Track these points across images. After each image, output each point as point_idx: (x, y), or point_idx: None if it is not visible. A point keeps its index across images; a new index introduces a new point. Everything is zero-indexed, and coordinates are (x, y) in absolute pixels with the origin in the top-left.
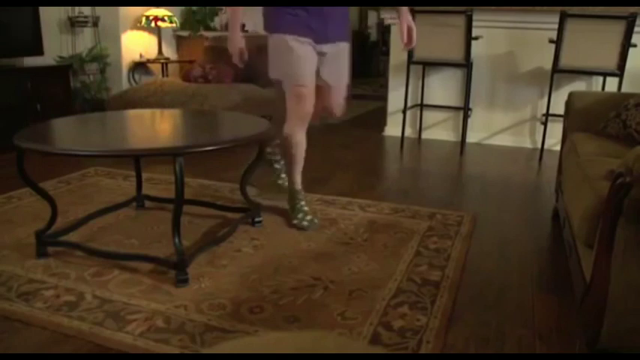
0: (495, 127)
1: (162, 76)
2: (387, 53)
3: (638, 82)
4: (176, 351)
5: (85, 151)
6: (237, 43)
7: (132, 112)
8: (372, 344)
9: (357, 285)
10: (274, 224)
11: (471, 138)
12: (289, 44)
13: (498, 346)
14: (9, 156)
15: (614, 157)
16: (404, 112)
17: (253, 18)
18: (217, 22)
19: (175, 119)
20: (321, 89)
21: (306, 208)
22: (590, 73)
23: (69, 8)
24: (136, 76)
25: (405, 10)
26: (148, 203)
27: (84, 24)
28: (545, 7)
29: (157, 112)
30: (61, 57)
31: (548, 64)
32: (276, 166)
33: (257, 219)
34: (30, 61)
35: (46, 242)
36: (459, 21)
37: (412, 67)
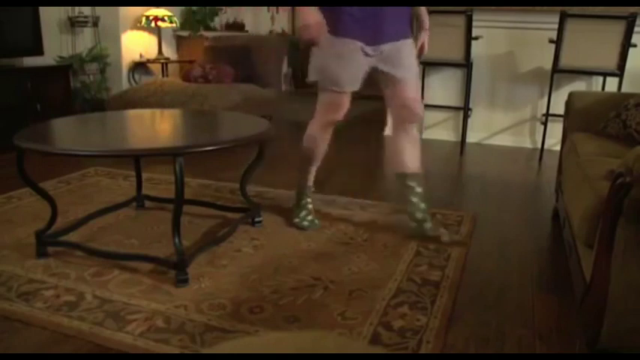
0: (495, 127)
1: (163, 76)
2: None
3: (638, 82)
4: (176, 351)
5: (85, 151)
6: (315, 15)
7: (132, 112)
8: (372, 344)
9: (357, 285)
10: (274, 224)
11: (471, 138)
12: (337, 46)
13: (498, 346)
14: (9, 156)
15: (614, 157)
16: None
17: (253, 18)
18: (217, 22)
19: (175, 119)
20: (393, 87)
21: (310, 207)
22: (590, 73)
23: (69, 8)
24: (136, 76)
25: (427, 28)
26: (148, 203)
27: (84, 24)
28: (545, 7)
29: (157, 112)
30: (61, 57)
31: (548, 64)
32: (413, 199)
33: (257, 219)
34: (30, 61)
35: (46, 242)
36: (459, 21)
37: None
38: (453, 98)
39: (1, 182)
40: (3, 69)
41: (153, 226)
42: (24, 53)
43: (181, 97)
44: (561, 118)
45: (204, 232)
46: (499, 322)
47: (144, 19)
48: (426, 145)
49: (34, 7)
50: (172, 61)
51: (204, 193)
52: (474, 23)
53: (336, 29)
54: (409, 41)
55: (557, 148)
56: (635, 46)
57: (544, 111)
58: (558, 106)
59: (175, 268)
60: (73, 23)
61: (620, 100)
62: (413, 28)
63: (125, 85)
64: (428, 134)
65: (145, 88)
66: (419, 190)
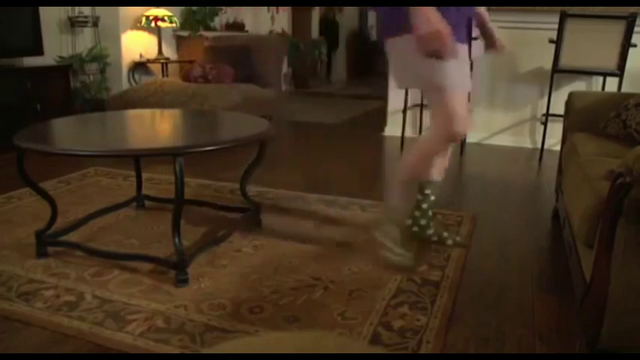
0: (495, 127)
1: (163, 76)
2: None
3: (638, 82)
4: (176, 351)
5: (85, 151)
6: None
7: (132, 112)
8: (372, 344)
9: (357, 285)
10: (274, 224)
11: (471, 138)
12: (456, 48)
13: (498, 346)
14: (9, 156)
15: (614, 157)
16: (404, 112)
17: (253, 18)
18: (217, 22)
19: (175, 119)
20: None
21: (431, 213)
22: (590, 73)
23: (69, 8)
24: (136, 76)
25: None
26: (148, 203)
27: (84, 24)
28: (545, 7)
29: (157, 112)
30: (61, 57)
31: (548, 64)
32: (424, 205)
33: (257, 219)
34: (30, 61)
35: (46, 242)
36: None
37: None
38: None
39: (1, 182)
40: (3, 69)
41: (153, 226)
42: (24, 53)
43: (181, 97)
44: (561, 118)
45: (204, 232)
46: (499, 322)
47: (144, 19)
48: None
49: (34, 7)
50: (172, 61)
51: (204, 193)
52: (474, 23)
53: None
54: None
55: (557, 148)
56: (635, 46)
57: (544, 111)
58: (558, 106)
59: (175, 268)
60: (73, 23)
61: (620, 100)
62: None
63: (125, 85)
64: None
65: (145, 88)
66: (432, 198)
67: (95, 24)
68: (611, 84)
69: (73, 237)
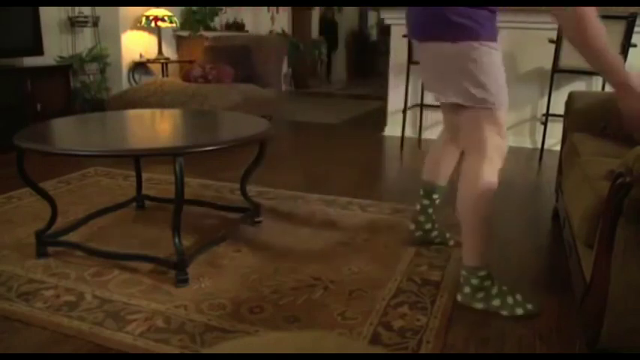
0: None
1: (162, 76)
2: (387, 53)
3: None
4: (176, 351)
5: (85, 151)
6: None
7: (132, 112)
8: (372, 344)
9: (357, 285)
10: (274, 224)
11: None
12: (499, 56)
13: (498, 346)
14: (9, 156)
15: (614, 157)
16: (404, 112)
17: (253, 18)
18: (217, 22)
19: (175, 119)
20: None
21: (505, 288)
22: (590, 73)
23: (69, 8)
24: (136, 76)
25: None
26: (148, 203)
27: (84, 24)
28: (545, 7)
29: (157, 112)
30: (61, 57)
31: (548, 64)
32: (429, 210)
33: (257, 219)
34: (30, 61)
35: (46, 242)
36: None
37: (412, 67)
38: None
39: (1, 182)
40: (3, 69)
41: (153, 226)
42: (24, 53)
43: (181, 97)
44: (561, 118)
45: (204, 232)
46: (499, 322)
47: (144, 19)
48: (427, 145)
49: (34, 7)
50: (172, 61)
51: (205, 193)
52: None
53: (494, 34)
54: None
55: (557, 148)
56: (635, 46)
57: (544, 111)
58: (558, 106)
59: (175, 268)
60: (73, 23)
61: None
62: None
63: (125, 85)
64: (428, 134)
65: (145, 88)
66: (437, 202)
67: (95, 24)
68: None
69: (73, 237)
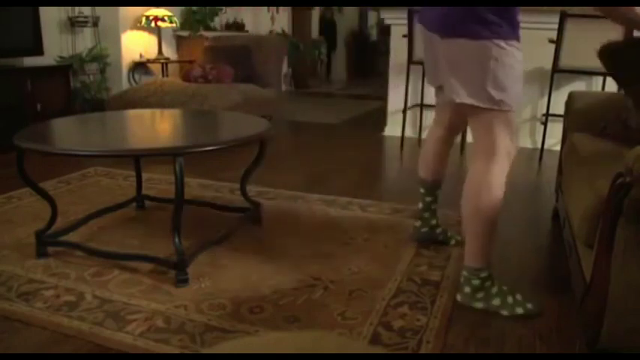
0: None
1: (162, 76)
2: (387, 53)
3: None
4: (176, 351)
5: (85, 151)
6: None
7: (132, 112)
8: (372, 344)
9: (357, 285)
10: (274, 224)
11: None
12: (521, 57)
13: (498, 346)
14: (9, 156)
15: (614, 157)
16: (404, 112)
17: (253, 18)
18: (217, 22)
19: (175, 119)
20: None
21: (505, 288)
22: (590, 73)
23: (69, 8)
24: (136, 76)
25: None
26: (148, 203)
27: (84, 24)
28: (545, 7)
29: (157, 112)
30: (61, 57)
31: (548, 64)
32: (433, 206)
33: (257, 219)
34: (30, 61)
35: (46, 242)
36: None
37: (412, 67)
38: None
39: (1, 182)
40: (3, 69)
41: (153, 226)
42: (24, 53)
43: (181, 97)
44: (561, 118)
45: (204, 232)
46: (499, 322)
47: (144, 19)
48: None
49: (34, 7)
50: (172, 61)
51: (205, 193)
52: None
53: (517, 33)
54: None
55: (557, 148)
56: None
57: (544, 111)
58: (558, 106)
59: (175, 268)
60: (73, 23)
61: (620, 100)
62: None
63: (125, 85)
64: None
65: (145, 88)
66: (439, 197)
67: (95, 24)
68: (611, 84)
69: (73, 237)
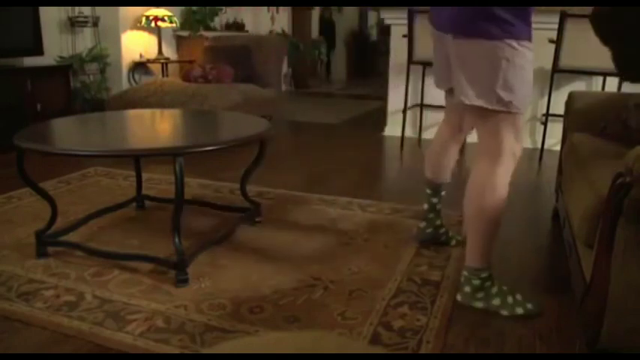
0: None
1: (162, 76)
2: (387, 53)
3: None
4: (176, 351)
5: (85, 151)
6: None
7: (132, 112)
8: (372, 344)
9: (357, 285)
10: (274, 224)
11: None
12: (532, 56)
13: (498, 346)
14: (9, 156)
15: (614, 157)
16: (404, 112)
17: (253, 18)
18: (217, 22)
19: (175, 119)
20: None
21: (505, 288)
22: (590, 73)
23: (69, 8)
24: (136, 76)
25: None
26: (148, 203)
27: (84, 24)
28: (545, 7)
29: (157, 112)
30: (61, 57)
31: (548, 64)
32: (438, 207)
33: (257, 219)
34: (30, 61)
35: (46, 242)
36: None
37: (412, 67)
38: None
39: (1, 182)
40: (3, 69)
41: (153, 226)
42: (24, 53)
43: (181, 97)
44: (561, 118)
45: (204, 232)
46: (499, 322)
47: (144, 19)
48: (427, 145)
49: (34, 7)
50: (172, 61)
51: (205, 193)
52: None
53: (530, 33)
54: None
55: (557, 148)
56: None
57: (544, 111)
58: (558, 106)
59: (175, 268)
60: (73, 23)
61: (620, 100)
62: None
63: (125, 85)
64: (428, 134)
65: (145, 88)
66: (443, 198)
67: (95, 24)
68: (611, 84)
69: (73, 237)
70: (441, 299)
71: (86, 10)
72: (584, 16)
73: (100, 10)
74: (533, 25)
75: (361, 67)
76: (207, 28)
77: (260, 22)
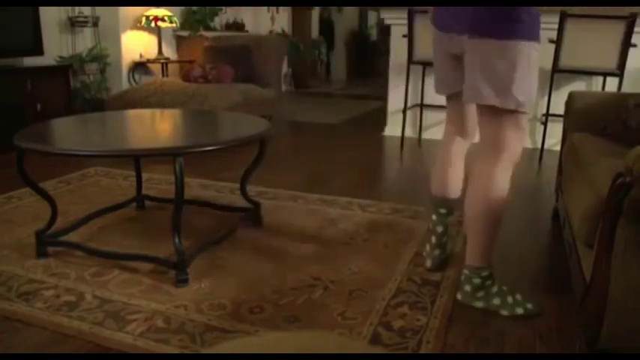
0: None
1: (162, 76)
2: (387, 53)
3: (638, 82)
4: (176, 351)
5: (85, 151)
6: None
7: (132, 112)
8: (372, 344)
9: (357, 285)
10: (274, 224)
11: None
12: (539, 58)
13: (498, 346)
14: (9, 156)
15: (614, 157)
16: (404, 112)
17: (253, 18)
18: (217, 22)
19: (175, 119)
20: None
21: (505, 287)
22: (590, 73)
23: (69, 8)
24: (136, 76)
25: None
26: (148, 203)
27: (84, 24)
28: (545, 7)
29: (157, 112)
30: (61, 57)
31: (548, 64)
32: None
33: (257, 219)
34: (30, 61)
35: (46, 242)
36: None
37: (412, 67)
38: None
39: (1, 182)
40: (3, 69)
41: (153, 226)
42: (24, 53)
43: (181, 97)
44: (561, 118)
45: (204, 232)
46: (499, 322)
47: (144, 19)
48: (426, 145)
49: (34, 7)
50: (172, 61)
51: (205, 193)
52: None
53: (539, 33)
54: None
55: (557, 148)
56: (635, 46)
57: (544, 111)
58: (558, 106)
59: (175, 268)
60: (73, 23)
61: (620, 100)
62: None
63: (125, 85)
64: (428, 134)
65: (145, 88)
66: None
67: (95, 24)
68: (611, 84)
69: (73, 237)
70: (441, 299)
71: (86, 10)
72: (584, 16)
73: (100, 10)
74: None
75: (361, 67)
76: (207, 28)
77: (260, 22)
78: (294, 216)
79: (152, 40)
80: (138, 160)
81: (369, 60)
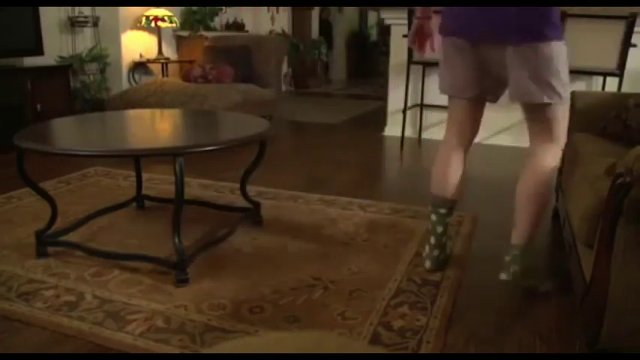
0: (495, 127)
1: (162, 76)
2: (387, 53)
3: (638, 82)
4: (176, 351)
5: (85, 151)
6: None
7: (132, 112)
8: (372, 344)
9: (357, 285)
10: (274, 224)
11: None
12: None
13: (498, 346)
14: (9, 156)
15: (614, 157)
16: (404, 112)
17: (253, 18)
18: (217, 22)
19: (175, 119)
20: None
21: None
22: (590, 73)
23: (69, 8)
24: (136, 76)
25: None
26: (147, 203)
27: (84, 24)
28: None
29: (157, 112)
30: (61, 57)
31: None
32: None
33: (257, 219)
34: (30, 61)
35: (46, 242)
36: None
37: (412, 67)
38: None
39: (1, 182)
40: (3, 69)
41: (153, 226)
42: (24, 53)
43: (181, 97)
44: None
45: (204, 232)
46: (499, 322)
47: (144, 19)
48: (426, 145)
49: (34, 7)
50: (172, 61)
51: (205, 193)
52: None
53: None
54: None
55: None
56: (635, 46)
57: None
58: None
59: (175, 268)
60: (73, 23)
61: (620, 100)
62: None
63: (125, 85)
64: (428, 134)
65: (145, 88)
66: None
67: (95, 24)
68: (611, 84)
69: (73, 237)
70: (441, 299)
71: (86, 10)
72: (584, 16)
73: (100, 10)
74: None
75: (361, 67)
76: (207, 28)
77: (260, 22)
78: (294, 216)
79: (152, 40)
80: (138, 160)
81: (369, 60)
